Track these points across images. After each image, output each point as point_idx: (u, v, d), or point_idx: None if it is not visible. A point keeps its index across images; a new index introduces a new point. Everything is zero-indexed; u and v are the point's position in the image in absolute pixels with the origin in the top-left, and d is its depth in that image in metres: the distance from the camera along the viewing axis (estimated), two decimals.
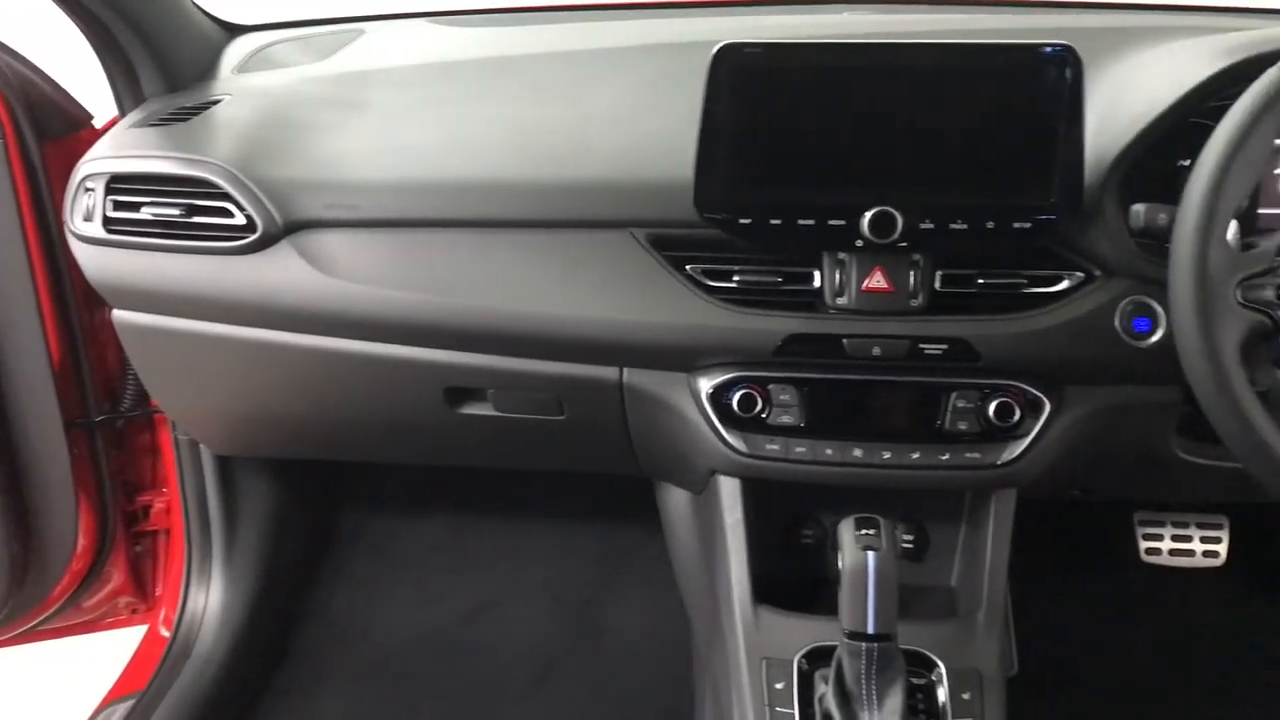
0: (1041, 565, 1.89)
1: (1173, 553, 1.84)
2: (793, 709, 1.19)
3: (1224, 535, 1.84)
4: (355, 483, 2.11)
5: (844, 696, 1.15)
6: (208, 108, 1.45)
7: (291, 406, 1.50)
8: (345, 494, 2.11)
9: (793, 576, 1.36)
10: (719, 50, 1.13)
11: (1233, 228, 1.07)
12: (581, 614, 1.95)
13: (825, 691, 1.17)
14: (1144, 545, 1.85)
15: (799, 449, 1.27)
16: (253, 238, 1.32)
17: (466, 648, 1.90)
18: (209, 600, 1.82)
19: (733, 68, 1.13)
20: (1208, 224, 0.96)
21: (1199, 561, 1.84)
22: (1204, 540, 1.83)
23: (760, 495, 1.35)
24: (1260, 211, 1.31)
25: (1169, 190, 1.05)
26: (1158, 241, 1.08)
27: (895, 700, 1.14)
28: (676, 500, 1.59)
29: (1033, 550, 1.85)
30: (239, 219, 1.32)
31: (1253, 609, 1.90)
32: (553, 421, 1.40)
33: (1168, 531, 1.84)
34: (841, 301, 1.22)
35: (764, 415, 1.26)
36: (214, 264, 1.34)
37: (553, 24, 1.64)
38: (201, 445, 1.75)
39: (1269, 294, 0.98)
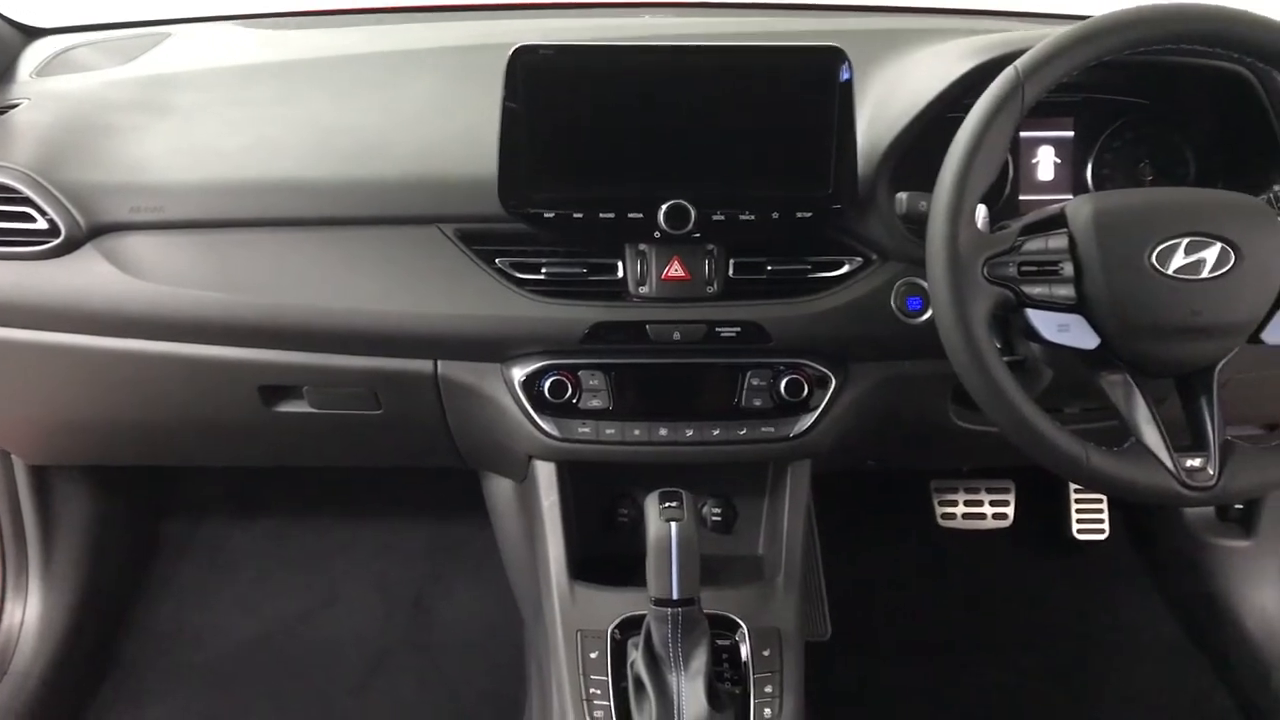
0: (849, 536, 2.02)
1: (966, 516, 1.99)
2: (606, 676, 1.26)
3: (1011, 499, 2.01)
4: (180, 489, 2.08)
5: (653, 660, 1.22)
6: (4, 112, 1.43)
7: (105, 412, 1.48)
8: (170, 501, 2.08)
9: (612, 554, 1.42)
10: (514, 51, 1.18)
11: (982, 212, 1.18)
12: (413, 607, 1.97)
13: (635, 657, 1.24)
14: (940, 511, 2.00)
15: (609, 431, 1.34)
16: (56, 242, 1.31)
17: (299, 647, 1.90)
18: (26, 614, 1.77)
19: (528, 68, 1.19)
20: (956, 208, 1.07)
21: (990, 523, 2.00)
22: (993, 504, 1.99)
23: (577, 477, 1.41)
24: (1021, 198, 1.45)
25: (932, 180, 1.15)
26: (919, 225, 1.18)
27: (700, 660, 1.21)
28: (501, 489, 1.63)
29: (841, 523, 1.98)
30: (41, 224, 1.31)
31: (1039, 564, 2.07)
32: (370, 416, 1.43)
33: (961, 497, 2.00)
34: (644, 290, 1.29)
35: (575, 400, 1.32)
36: (17, 270, 1.33)
37: (356, 27, 1.66)
38: (13, 455, 1.71)
39: (1011, 271, 1.08)
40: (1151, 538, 2.03)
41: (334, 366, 1.36)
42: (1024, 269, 1.09)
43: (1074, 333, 1.10)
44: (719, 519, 1.47)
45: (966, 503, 1.99)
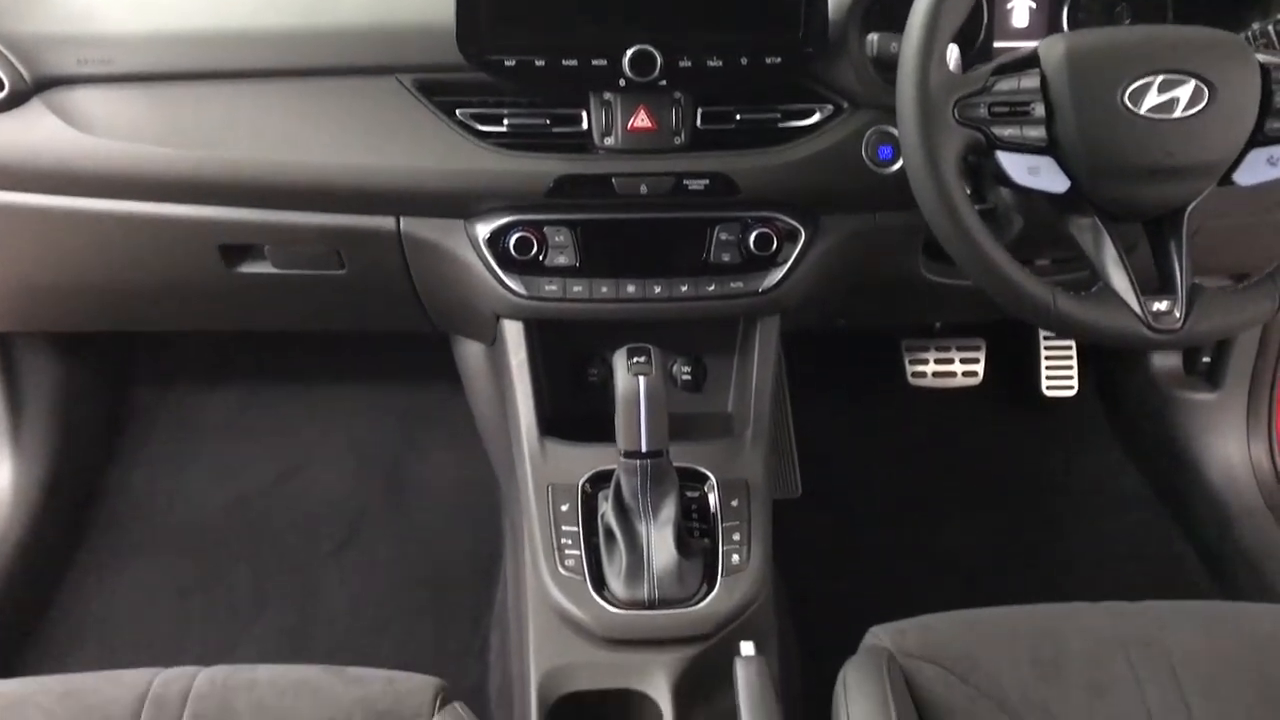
0: (820, 396, 2.03)
1: (936, 375, 2.00)
2: (577, 527, 1.27)
3: (981, 356, 2.02)
4: (150, 357, 2.07)
5: (622, 511, 1.24)
6: None
7: (64, 276, 1.45)
8: (139, 369, 2.06)
9: (581, 412, 1.43)
10: None
11: (954, 54, 1.15)
12: (389, 472, 1.98)
13: (606, 509, 1.25)
14: (910, 370, 2.01)
15: (576, 288, 1.32)
16: (0, 96, 1.26)
17: (274, 511, 1.91)
18: None
19: None
20: (927, 47, 1.04)
21: (960, 381, 2.01)
22: (964, 362, 2.01)
23: (546, 337, 1.41)
24: (995, 45, 1.41)
25: (903, 23, 1.12)
26: (891, 70, 1.15)
27: (669, 511, 1.23)
28: (471, 352, 1.63)
29: (812, 383, 1.99)
30: None
31: (1008, 421, 2.09)
32: (334, 276, 1.41)
33: (931, 356, 2.01)
34: (609, 142, 1.26)
35: (541, 257, 1.31)
36: None
37: None
38: None
39: (982, 112, 1.06)
40: (1120, 394, 2.05)
41: (294, 224, 1.33)
42: (995, 110, 1.06)
43: (1044, 176, 1.08)
44: (688, 378, 1.47)
45: (937, 361, 2.01)
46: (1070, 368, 2.02)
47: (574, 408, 1.44)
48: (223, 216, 1.33)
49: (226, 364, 2.07)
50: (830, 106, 1.28)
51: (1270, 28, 1.19)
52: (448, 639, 1.74)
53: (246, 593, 1.80)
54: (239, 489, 1.94)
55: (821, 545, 1.81)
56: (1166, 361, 1.92)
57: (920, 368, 2.01)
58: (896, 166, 1.27)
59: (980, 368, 2.01)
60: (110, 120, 1.27)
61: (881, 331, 2.01)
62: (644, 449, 1.19)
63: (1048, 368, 2.02)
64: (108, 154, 1.27)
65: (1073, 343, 2.03)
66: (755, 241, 1.31)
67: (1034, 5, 1.40)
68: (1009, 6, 1.41)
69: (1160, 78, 1.04)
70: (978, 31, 1.39)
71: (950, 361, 2.01)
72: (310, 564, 1.84)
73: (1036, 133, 1.07)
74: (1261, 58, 1.07)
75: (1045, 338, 2.03)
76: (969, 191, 1.10)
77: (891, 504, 1.94)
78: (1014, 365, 2.06)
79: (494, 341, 1.49)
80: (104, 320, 1.64)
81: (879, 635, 1.12)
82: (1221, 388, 1.84)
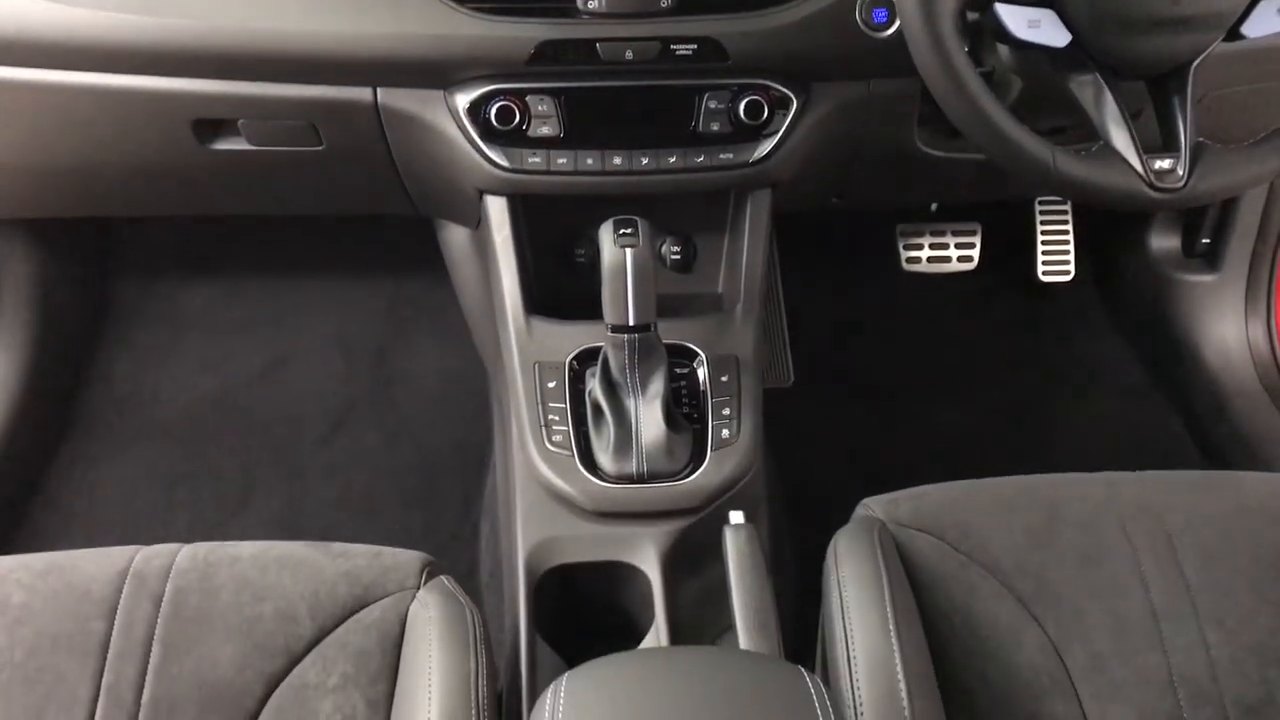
0: (813, 283, 2.01)
1: (930, 260, 1.97)
2: (564, 403, 1.25)
3: (976, 240, 1.98)
4: (132, 248, 2.03)
5: (610, 386, 1.22)
6: None
7: (32, 155, 1.41)
8: (120, 262, 2.02)
9: (569, 293, 1.40)
10: None
11: None
12: (375, 363, 1.96)
13: (593, 385, 1.23)
14: (905, 255, 1.98)
15: (560, 160, 1.28)
16: None
17: (260, 403, 1.89)
18: None
19: None
20: None
21: (955, 266, 1.98)
22: (959, 247, 1.97)
23: (531, 214, 1.37)
24: None
25: None
26: None
27: (658, 385, 1.21)
28: (456, 238, 1.60)
29: (805, 269, 1.96)
30: None
31: (1004, 306, 2.07)
32: (312, 153, 1.36)
33: (926, 240, 1.97)
34: (593, 5, 1.20)
35: (524, 127, 1.26)
36: None
37: None
38: None
39: None
40: (1117, 277, 2.02)
41: (269, 96, 1.28)
42: None
43: (1045, 29, 1.04)
44: (678, 257, 1.44)
45: (932, 246, 1.97)
46: (1067, 252, 1.99)
47: (562, 289, 1.41)
48: (194, 88, 1.28)
49: (210, 255, 2.03)
50: None
51: None
52: (437, 527, 1.73)
53: (233, 482, 1.79)
54: (224, 380, 1.92)
55: (813, 430, 1.80)
56: (1165, 243, 1.89)
57: (915, 253, 1.97)
58: (891, 30, 1.23)
59: (975, 253, 1.98)
60: None
61: (877, 210, 1.97)
62: (631, 322, 1.17)
63: (1044, 252, 1.99)
64: (75, 21, 1.22)
65: (1070, 227, 2.00)
66: (745, 110, 1.26)
67: None
68: None
69: None
70: None
71: (945, 247, 1.97)
72: (297, 453, 1.83)
73: None
74: None
75: (1042, 222, 1.99)
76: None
77: (884, 389, 1.92)
78: (1010, 250, 2.03)
79: (478, 225, 1.46)
80: (79, 205, 1.59)
81: (871, 506, 1.11)
82: (1220, 270, 1.82)
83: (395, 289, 2.02)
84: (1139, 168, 1.04)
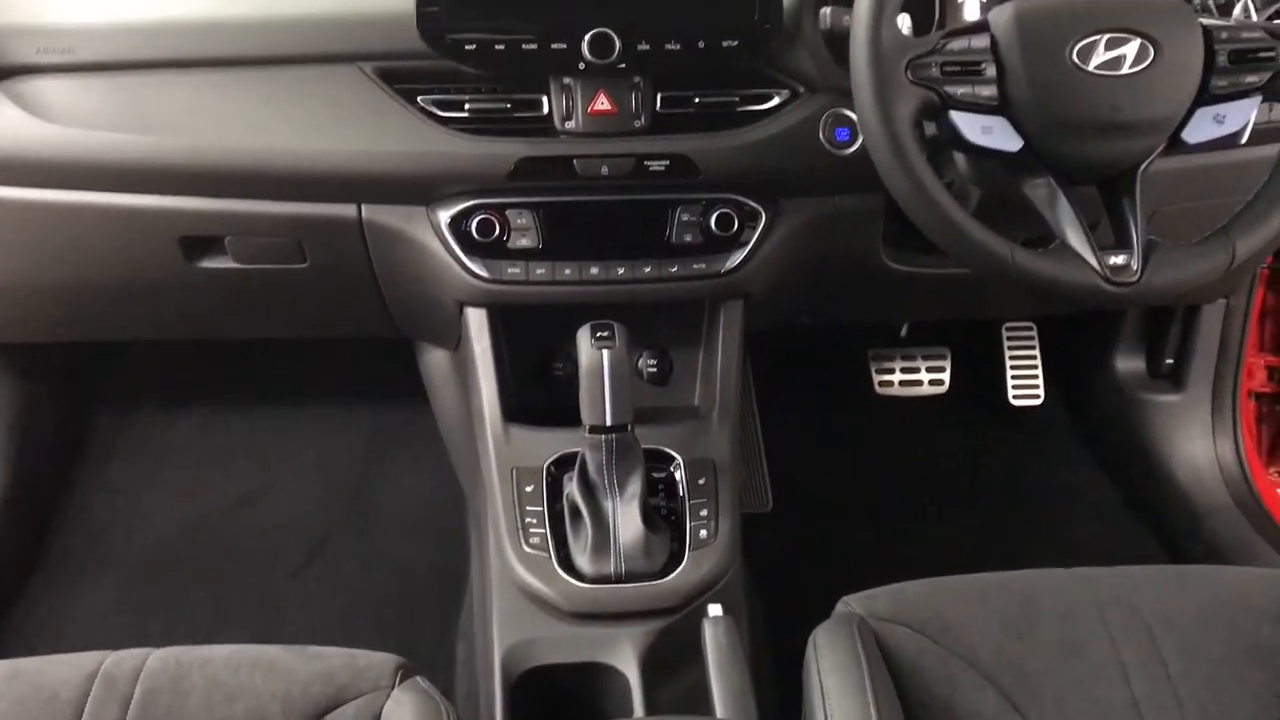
0: (790, 409, 2.03)
1: (903, 383, 2.01)
2: (542, 506, 1.26)
3: (947, 364, 2.02)
4: (110, 378, 2.04)
5: (588, 487, 1.23)
6: None
7: (20, 274, 1.44)
8: (99, 392, 2.03)
9: (547, 406, 1.42)
10: None
11: (905, 22, 1.17)
12: (353, 493, 1.95)
13: (571, 487, 1.24)
14: (877, 379, 2.01)
15: (539, 270, 1.32)
16: None
17: (236, 533, 1.87)
18: None
19: None
20: (878, 6, 1.06)
21: (927, 390, 2.02)
22: (930, 370, 2.01)
23: (510, 327, 1.40)
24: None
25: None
26: (844, 46, 1.17)
27: (635, 486, 1.22)
28: (436, 361, 1.62)
29: (780, 394, 1.99)
30: None
31: (976, 429, 2.09)
32: (296, 271, 1.40)
33: (897, 365, 2.01)
34: (570, 125, 1.27)
35: (504, 240, 1.31)
36: None
37: None
38: None
39: (934, 72, 1.07)
40: (1085, 399, 2.06)
41: (256, 213, 1.33)
42: (947, 69, 1.08)
43: (998, 135, 1.09)
44: (654, 370, 1.47)
45: (903, 370, 2.01)
46: (1035, 375, 2.03)
47: (540, 402, 1.43)
48: (183, 206, 1.32)
49: (188, 385, 2.05)
50: (787, 91, 1.30)
51: (1210, 1, 1.22)
52: (413, 653, 1.65)
53: (207, 612, 1.75)
54: (200, 511, 1.91)
55: (792, 552, 1.79)
56: (1130, 365, 1.94)
57: (887, 376, 2.01)
58: (853, 148, 1.29)
59: (946, 376, 2.02)
60: (70, 108, 1.27)
61: (847, 333, 2.02)
62: (609, 422, 1.19)
63: (1013, 376, 2.03)
64: (67, 141, 1.27)
65: (1037, 351, 2.05)
66: (716, 222, 1.31)
67: (984, 1, 1.44)
68: (960, 2, 1.44)
69: (1106, 36, 1.06)
70: (930, 23, 1.42)
71: (916, 370, 2.01)
72: (272, 584, 1.80)
73: (988, 91, 1.08)
74: (1204, 20, 1.10)
75: (1010, 346, 2.04)
76: None
77: (861, 512, 1.93)
78: (980, 374, 2.07)
79: (458, 346, 1.49)
80: (62, 328, 1.62)
81: (850, 603, 1.11)
82: (1185, 389, 1.86)
83: (373, 418, 2.04)
84: (1095, 263, 1.08)
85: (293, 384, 2.06)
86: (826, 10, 1.20)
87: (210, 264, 1.40)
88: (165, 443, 1.99)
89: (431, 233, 1.32)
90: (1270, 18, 1.17)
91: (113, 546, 1.85)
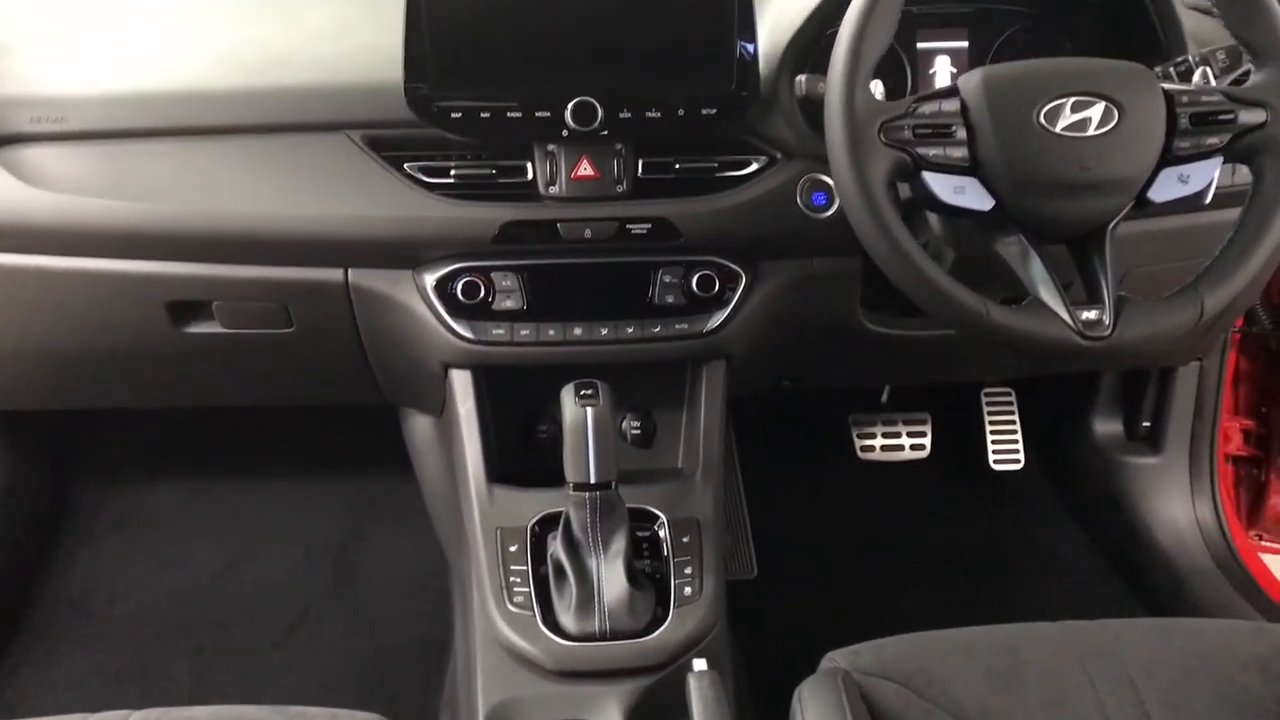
0: (773, 477, 2.04)
1: (884, 449, 2.03)
2: (526, 565, 1.26)
3: (928, 429, 2.04)
4: (91, 450, 2.04)
5: (572, 546, 1.23)
6: None
7: (6, 339, 1.45)
8: (81, 463, 2.03)
9: (531, 470, 1.43)
10: None
11: (879, 87, 1.21)
12: (336, 561, 1.94)
13: (555, 546, 1.24)
14: (859, 444, 2.03)
15: (523, 332, 1.34)
16: None
17: (217, 603, 1.86)
18: None
19: None
20: (851, 74, 1.09)
21: (908, 455, 2.03)
22: (911, 435, 2.03)
23: (494, 390, 1.42)
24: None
25: (826, 66, 1.18)
26: (819, 113, 1.20)
27: (619, 544, 1.22)
28: (420, 427, 1.63)
29: (763, 462, 2.00)
30: None
31: (958, 495, 2.11)
32: (283, 336, 1.42)
33: (879, 430, 2.03)
34: (554, 190, 1.30)
35: (489, 301, 1.33)
36: None
37: None
38: None
39: (907, 134, 1.11)
40: (1065, 463, 2.08)
41: (243, 278, 1.34)
42: (919, 132, 1.11)
43: (969, 195, 1.13)
44: (638, 432, 1.48)
45: (884, 435, 2.03)
46: (1015, 440, 2.05)
47: (524, 464, 1.44)
48: (172, 271, 1.34)
49: (170, 454, 2.05)
50: (765, 157, 1.33)
51: (1172, 68, 1.27)
52: None
53: (187, 683, 1.73)
54: (181, 582, 1.89)
55: (776, 616, 1.79)
56: (1108, 428, 1.96)
57: (869, 442, 2.03)
58: (830, 212, 1.32)
59: (927, 441, 2.04)
60: (62, 175, 1.29)
61: (828, 398, 2.04)
62: (593, 480, 1.19)
63: (994, 441, 2.05)
64: (58, 208, 1.29)
65: (1016, 415, 2.07)
66: (698, 283, 1.34)
67: (954, 70, 1.49)
68: (930, 72, 1.49)
69: (1072, 99, 1.10)
70: (902, 89, 1.46)
71: (898, 436, 2.03)
72: (255, 653, 1.79)
73: (960, 153, 1.12)
74: (1165, 85, 1.15)
75: (989, 411, 2.06)
76: None
77: (846, 578, 1.93)
78: (961, 439, 2.09)
79: (442, 411, 1.50)
80: (47, 396, 1.62)
81: (835, 658, 1.11)
82: (1163, 451, 1.88)
83: (356, 487, 2.04)
84: (1068, 318, 1.10)
85: (275, 453, 2.06)
86: (802, 78, 1.24)
87: (197, 329, 1.41)
88: (147, 512, 1.99)
89: (417, 296, 1.34)
90: (1229, 84, 1.21)
91: (95, 616, 1.84)
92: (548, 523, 1.30)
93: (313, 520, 2.00)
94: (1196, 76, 1.23)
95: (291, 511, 2.00)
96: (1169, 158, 1.13)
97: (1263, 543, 1.94)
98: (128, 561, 1.92)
